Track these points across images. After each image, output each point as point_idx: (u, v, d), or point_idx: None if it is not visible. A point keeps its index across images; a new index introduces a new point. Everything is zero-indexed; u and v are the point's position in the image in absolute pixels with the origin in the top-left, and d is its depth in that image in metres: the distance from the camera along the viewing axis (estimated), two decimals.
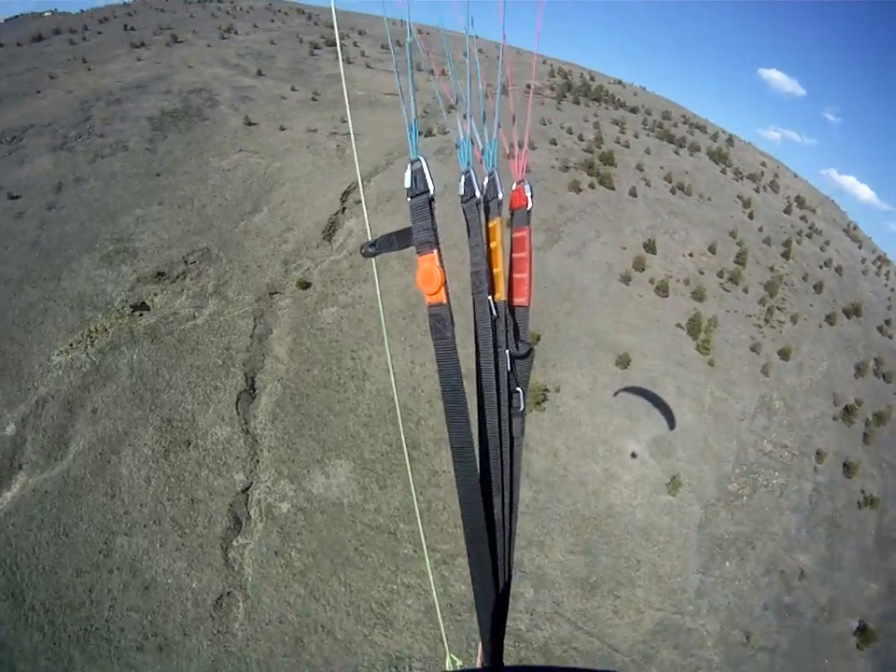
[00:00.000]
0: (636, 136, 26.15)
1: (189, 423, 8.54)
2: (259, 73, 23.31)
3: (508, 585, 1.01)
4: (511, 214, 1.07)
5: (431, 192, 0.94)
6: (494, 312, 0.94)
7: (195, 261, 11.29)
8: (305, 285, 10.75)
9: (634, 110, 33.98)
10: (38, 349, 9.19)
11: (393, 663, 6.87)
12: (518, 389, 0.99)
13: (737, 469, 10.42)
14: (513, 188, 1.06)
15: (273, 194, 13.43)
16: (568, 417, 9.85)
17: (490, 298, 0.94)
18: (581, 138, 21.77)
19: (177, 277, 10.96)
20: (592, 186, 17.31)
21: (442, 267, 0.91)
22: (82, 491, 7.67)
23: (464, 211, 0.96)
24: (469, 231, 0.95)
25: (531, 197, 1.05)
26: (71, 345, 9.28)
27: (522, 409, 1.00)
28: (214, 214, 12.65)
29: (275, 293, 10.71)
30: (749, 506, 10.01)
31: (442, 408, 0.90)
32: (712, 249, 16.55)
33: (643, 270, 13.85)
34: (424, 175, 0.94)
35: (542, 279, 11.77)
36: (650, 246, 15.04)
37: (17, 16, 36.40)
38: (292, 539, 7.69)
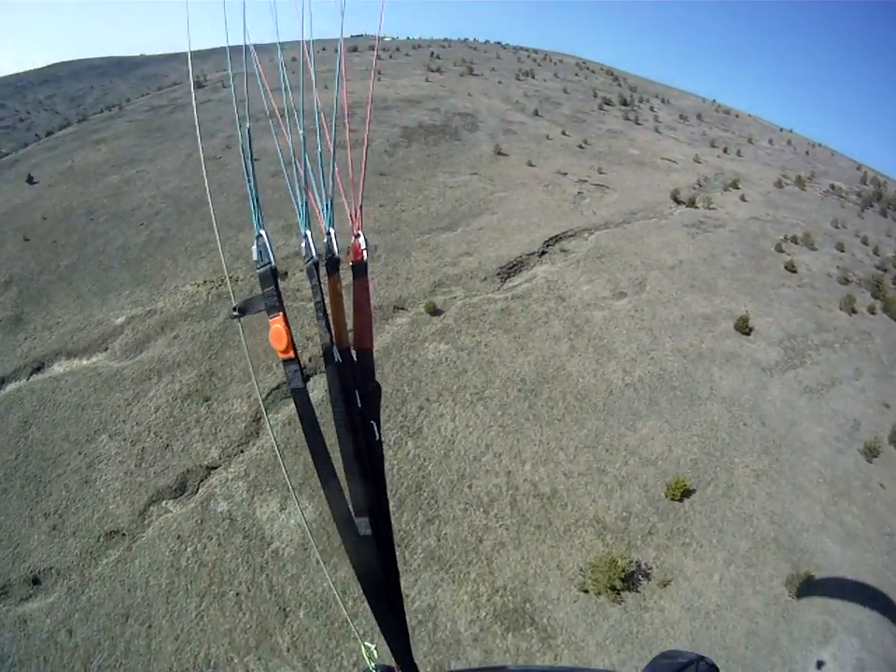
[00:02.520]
0: None
1: (220, 388, 8.94)
2: (536, 113, 24.08)
3: (399, 601, 1.18)
4: (352, 267, 1.29)
5: (273, 264, 1.15)
6: (338, 357, 1.14)
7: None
8: (435, 311, 9.94)
9: None
10: (180, 277, 11.24)
11: None
12: (371, 422, 1.19)
13: None
14: (351, 243, 1.28)
15: (478, 219, 12.92)
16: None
17: (333, 346, 1.14)
18: (875, 252, 17.52)
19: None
20: (871, 310, 13.30)
21: (288, 327, 1.12)
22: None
23: (307, 271, 1.18)
24: (311, 290, 1.17)
25: (366, 250, 1.27)
26: (200, 283, 10.90)
27: (378, 438, 1.20)
28: (407, 220, 12.58)
29: (400, 308, 10.11)
30: None
31: None
32: None
33: None
34: (267, 249, 1.15)
35: (750, 411, 8.66)
36: None
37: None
38: (195, 539, 7.02)
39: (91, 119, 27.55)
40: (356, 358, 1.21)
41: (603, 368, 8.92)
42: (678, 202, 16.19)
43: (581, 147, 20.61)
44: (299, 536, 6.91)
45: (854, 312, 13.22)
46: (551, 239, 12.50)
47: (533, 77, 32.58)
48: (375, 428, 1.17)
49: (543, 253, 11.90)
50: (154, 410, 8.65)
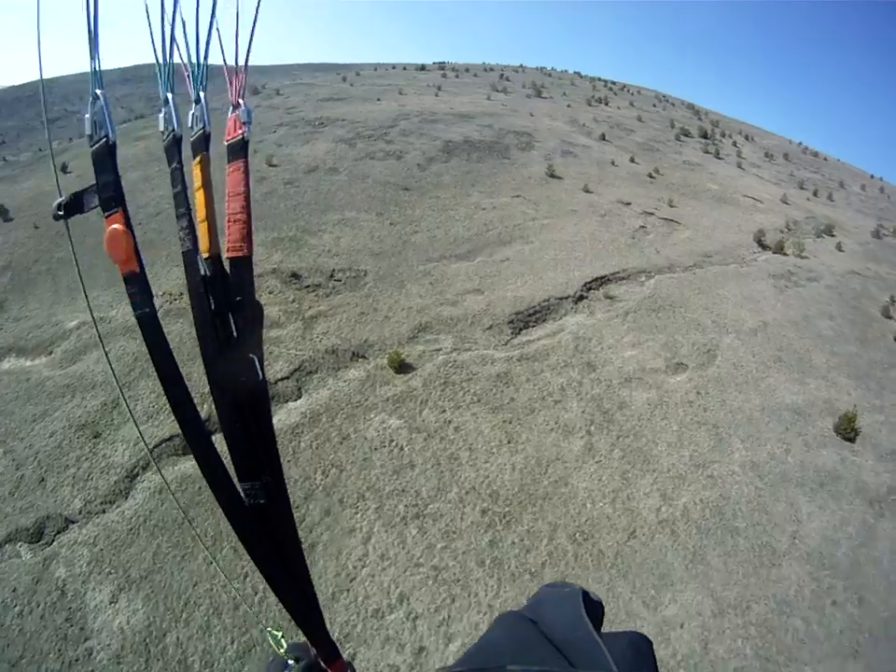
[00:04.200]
0: None
1: (115, 426, 6.21)
2: (603, 137, 21.35)
3: (304, 570, 0.93)
4: (227, 147, 0.86)
5: (112, 137, 0.80)
6: (204, 270, 0.81)
7: (339, 279, 9.17)
8: (402, 366, 7.20)
9: None
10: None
11: None
12: (252, 356, 0.81)
13: None
14: (229, 115, 0.86)
15: (506, 248, 10.25)
16: None
17: (198, 253, 0.81)
18: None
19: (305, 287, 8.94)
20: None
21: (130, 229, 0.80)
22: None
23: (165, 151, 0.84)
24: (170, 176, 0.82)
25: (248, 124, 0.85)
26: (159, 295, 8.03)
27: (261, 378, 0.82)
28: (416, 243, 10.13)
29: (360, 356, 7.47)
30: None
31: None
32: None
33: None
34: (105, 116, 0.79)
35: (845, 580, 5.34)
36: None
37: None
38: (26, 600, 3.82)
39: (147, 117, 26.93)
40: (229, 271, 0.82)
41: (630, 487, 5.74)
42: (763, 246, 12.99)
43: (650, 176, 17.66)
44: (118, 644, 4.39)
45: None
46: (595, 280, 9.62)
47: (606, 104, 29.85)
48: (257, 364, 0.80)
49: (581, 298, 9.01)
50: (49, 434, 6.73)
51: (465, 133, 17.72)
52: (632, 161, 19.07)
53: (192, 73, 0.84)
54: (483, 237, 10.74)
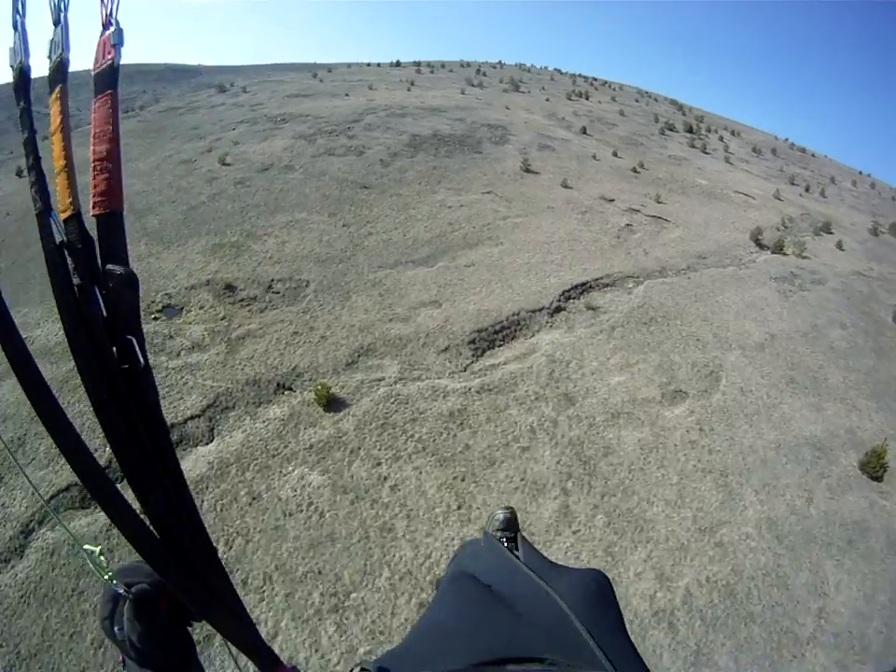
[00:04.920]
0: None
1: (16, 470, 4.39)
2: (584, 131, 20.05)
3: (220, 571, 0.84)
4: (93, 77, 0.68)
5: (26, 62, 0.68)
6: (61, 234, 0.65)
7: (278, 291, 7.80)
8: (332, 402, 5.78)
9: None
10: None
11: None
12: (129, 337, 0.64)
13: None
14: (98, 39, 0.69)
15: (472, 251, 8.89)
16: None
17: (51, 212, 0.66)
18: None
19: (239, 301, 7.58)
20: None
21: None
22: None
23: (13, 87, 0.68)
24: (19, 119, 0.70)
25: (118, 46, 0.67)
26: None
27: (143, 364, 0.66)
28: (369, 247, 8.78)
29: (286, 388, 6.05)
30: None
31: None
32: None
33: None
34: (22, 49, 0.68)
35: None
36: None
37: None
38: None
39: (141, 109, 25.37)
40: (97, 232, 0.65)
41: (618, 567, 4.33)
42: (760, 245, 11.73)
43: (635, 171, 16.37)
44: None
45: None
46: (575, 288, 8.25)
47: (587, 99, 28.57)
48: (136, 347, 0.64)
49: (558, 310, 7.61)
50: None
51: (434, 127, 16.30)
52: (615, 155, 17.77)
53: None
54: (446, 239, 9.35)
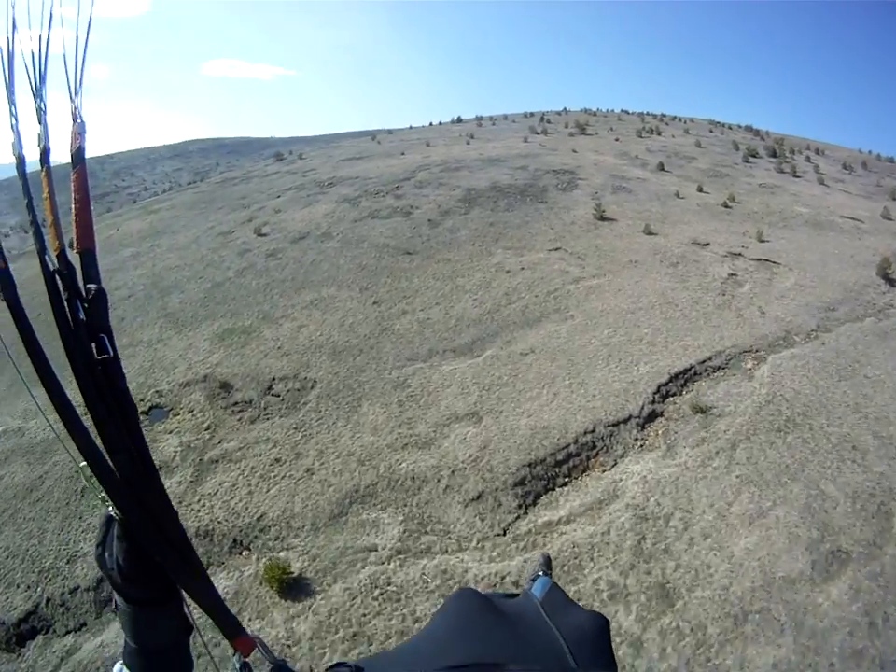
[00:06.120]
0: None
1: None
2: (661, 167, 17.76)
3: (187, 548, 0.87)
4: (71, 157, 0.92)
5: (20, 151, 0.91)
6: (54, 264, 0.85)
7: (277, 394, 6.15)
8: (292, 589, 3.82)
9: None
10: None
11: None
12: (102, 335, 0.84)
13: None
14: (71, 129, 0.94)
15: (531, 333, 6.79)
16: None
17: (46, 252, 0.86)
18: None
19: (231, 406, 6.06)
20: None
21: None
22: None
23: (16, 169, 0.91)
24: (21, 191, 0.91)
25: (82, 134, 0.92)
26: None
27: (113, 354, 0.84)
28: (399, 330, 6.99)
29: (246, 549, 4.22)
30: None
31: None
32: None
33: None
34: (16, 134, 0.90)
35: None
36: None
37: None
38: None
39: (177, 189, 25.59)
40: (80, 262, 0.87)
41: None
42: (891, 281, 8.88)
43: (726, 206, 13.80)
44: None
45: None
46: (675, 378, 5.84)
47: (659, 134, 26.28)
48: (107, 342, 0.84)
49: (652, 418, 5.23)
50: None
51: (492, 178, 14.53)
52: (700, 190, 15.28)
53: (34, 93, 0.89)
54: (499, 315, 7.26)
